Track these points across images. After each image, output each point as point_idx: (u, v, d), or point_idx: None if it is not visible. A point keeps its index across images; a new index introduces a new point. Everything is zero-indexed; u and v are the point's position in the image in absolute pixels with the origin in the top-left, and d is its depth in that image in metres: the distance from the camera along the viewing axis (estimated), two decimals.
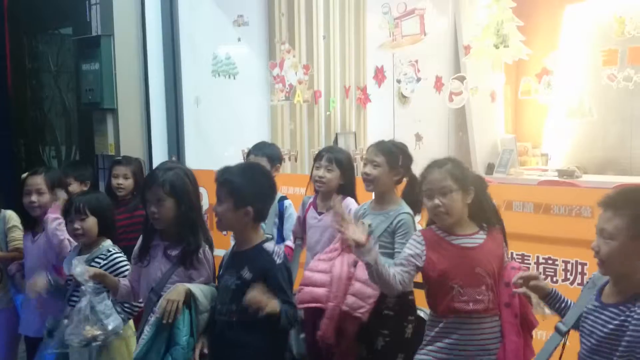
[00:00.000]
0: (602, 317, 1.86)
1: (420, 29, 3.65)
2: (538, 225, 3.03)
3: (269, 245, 2.32)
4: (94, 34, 4.56)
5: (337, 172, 2.98)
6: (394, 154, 2.75)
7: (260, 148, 3.57)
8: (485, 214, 2.33)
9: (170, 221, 2.45)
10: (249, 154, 3.61)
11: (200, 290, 2.38)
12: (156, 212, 2.43)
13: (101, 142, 4.63)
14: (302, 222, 3.16)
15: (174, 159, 4.45)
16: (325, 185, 2.97)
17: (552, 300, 2.07)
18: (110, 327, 2.55)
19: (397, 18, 3.74)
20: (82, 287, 2.54)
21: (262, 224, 3.27)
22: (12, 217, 3.40)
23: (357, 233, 2.16)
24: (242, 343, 2.25)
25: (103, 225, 2.83)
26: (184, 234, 2.45)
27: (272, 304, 2.18)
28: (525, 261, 3.03)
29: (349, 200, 3.00)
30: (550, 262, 3.01)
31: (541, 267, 3.03)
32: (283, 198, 3.42)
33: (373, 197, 2.86)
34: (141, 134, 4.63)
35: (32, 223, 3.20)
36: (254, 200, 2.28)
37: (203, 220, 2.63)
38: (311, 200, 3.13)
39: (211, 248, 2.56)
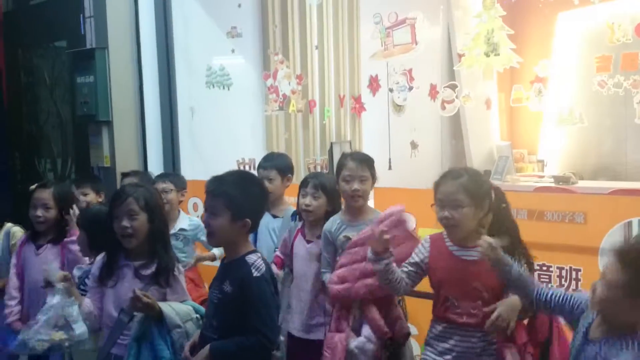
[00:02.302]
0: (586, 353, 1.81)
1: (412, 38, 3.67)
2: (532, 231, 3.03)
3: (251, 257, 2.21)
4: (88, 46, 4.59)
5: (324, 198, 2.87)
6: (372, 165, 2.76)
7: (269, 160, 3.46)
8: (500, 229, 2.25)
9: (142, 238, 2.41)
10: (258, 167, 3.51)
11: (170, 307, 2.34)
12: (129, 227, 2.38)
13: (97, 154, 4.64)
14: (289, 248, 3.03)
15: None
16: (313, 214, 2.86)
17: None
18: (77, 332, 2.47)
19: (388, 28, 3.77)
20: (55, 287, 2.45)
21: (274, 238, 3.27)
22: (17, 234, 3.40)
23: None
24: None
25: (95, 241, 2.71)
26: (158, 251, 2.40)
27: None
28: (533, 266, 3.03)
29: None
30: (544, 268, 3.02)
31: (536, 274, 3.03)
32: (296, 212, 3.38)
33: (343, 209, 2.82)
34: (136, 146, 4.65)
35: (36, 235, 3.15)
36: (250, 212, 2.19)
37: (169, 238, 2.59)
38: (299, 226, 3.01)
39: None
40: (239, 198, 2.17)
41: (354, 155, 2.79)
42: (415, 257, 2.34)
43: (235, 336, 2.14)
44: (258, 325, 2.12)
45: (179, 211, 3.76)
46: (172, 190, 3.66)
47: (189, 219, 3.74)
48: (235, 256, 2.23)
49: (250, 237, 3.37)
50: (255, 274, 2.15)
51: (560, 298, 1.97)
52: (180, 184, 3.76)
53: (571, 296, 1.98)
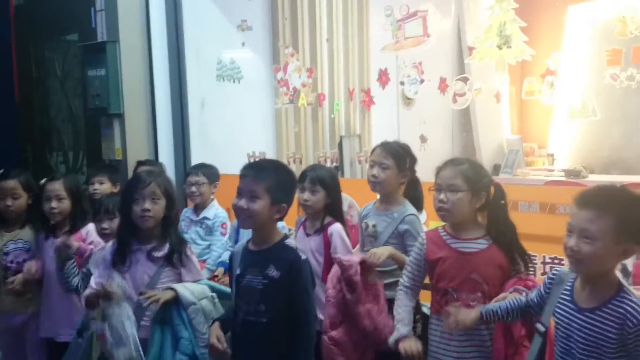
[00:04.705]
0: (578, 322, 1.80)
1: (423, 30, 3.66)
2: (544, 224, 3.03)
3: (291, 242, 2.31)
4: (99, 40, 4.61)
5: (322, 192, 2.87)
6: (402, 156, 2.75)
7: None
8: (497, 226, 2.26)
9: (158, 221, 2.53)
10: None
11: (184, 287, 2.47)
12: (150, 209, 2.48)
13: (108, 147, 4.67)
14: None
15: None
16: (311, 208, 2.88)
17: (495, 318, 2.10)
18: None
19: (399, 20, 3.76)
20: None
21: None
22: None
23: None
24: (273, 343, 2.21)
25: None
26: (170, 234, 2.54)
27: None
28: (532, 261, 3.02)
29: (336, 226, 2.89)
30: (556, 261, 3.02)
31: (547, 267, 3.04)
32: None
33: (378, 197, 2.85)
34: (147, 138, 4.67)
35: (52, 227, 3.17)
36: (286, 198, 2.28)
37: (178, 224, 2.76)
38: (302, 220, 3.04)
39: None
40: (278, 183, 2.24)
41: (384, 144, 2.79)
42: (413, 256, 2.38)
43: (287, 323, 2.21)
44: (308, 307, 2.22)
45: (212, 199, 3.92)
46: (204, 183, 3.84)
47: (215, 209, 3.87)
48: (269, 242, 2.27)
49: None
50: (303, 257, 2.25)
51: (518, 306, 2.05)
52: (213, 177, 3.91)
53: (525, 299, 2.05)
